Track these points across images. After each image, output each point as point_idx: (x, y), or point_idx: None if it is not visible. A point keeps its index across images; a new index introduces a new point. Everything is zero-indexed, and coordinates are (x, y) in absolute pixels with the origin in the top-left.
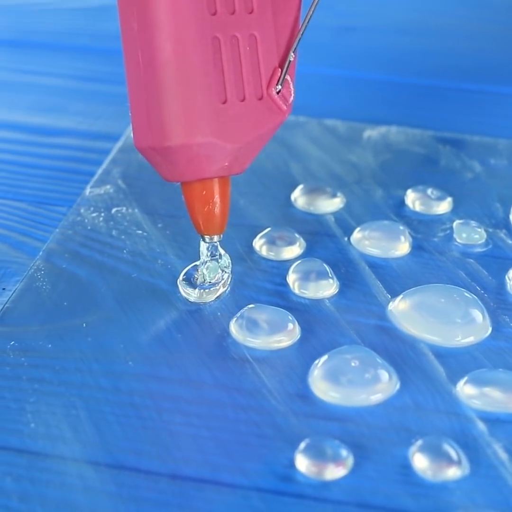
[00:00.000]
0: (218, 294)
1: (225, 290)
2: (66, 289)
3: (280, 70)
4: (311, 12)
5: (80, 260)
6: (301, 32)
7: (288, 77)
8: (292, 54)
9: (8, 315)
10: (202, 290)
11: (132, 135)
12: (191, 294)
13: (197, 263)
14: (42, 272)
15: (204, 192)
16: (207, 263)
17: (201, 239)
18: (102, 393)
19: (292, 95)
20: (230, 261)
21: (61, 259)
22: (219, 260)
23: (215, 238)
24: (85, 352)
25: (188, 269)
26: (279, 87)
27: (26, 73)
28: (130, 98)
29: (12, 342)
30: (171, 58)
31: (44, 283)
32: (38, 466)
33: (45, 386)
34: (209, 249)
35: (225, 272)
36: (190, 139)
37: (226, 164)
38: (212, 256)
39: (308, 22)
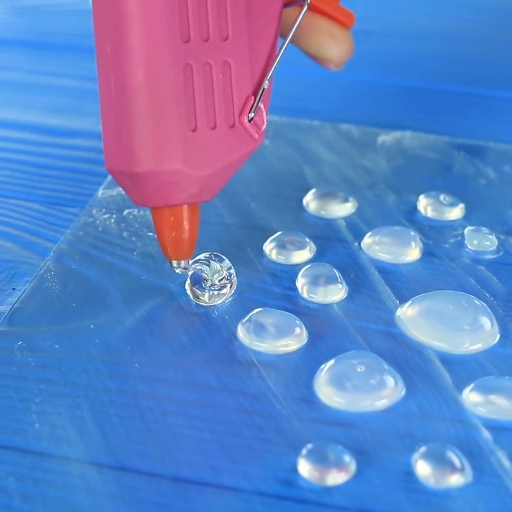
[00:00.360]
0: (225, 297)
1: (232, 293)
2: (75, 290)
3: (253, 98)
4: (288, 40)
5: (90, 261)
6: (277, 60)
7: (261, 104)
8: (267, 81)
9: (17, 315)
10: (210, 293)
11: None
12: (199, 297)
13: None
14: (52, 272)
15: (172, 218)
16: (206, 266)
17: (169, 264)
18: (107, 395)
19: (265, 123)
20: (230, 263)
21: (72, 260)
22: (222, 262)
23: (183, 263)
24: (92, 353)
25: (195, 273)
26: (252, 115)
27: (41, 74)
28: (102, 120)
29: (20, 342)
30: (142, 84)
31: (54, 283)
32: (42, 467)
33: (51, 387)
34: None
35: (230, 274)
36: (158, 166)
37: (195, 191)
38: (210, 260)
39: (284, 49)
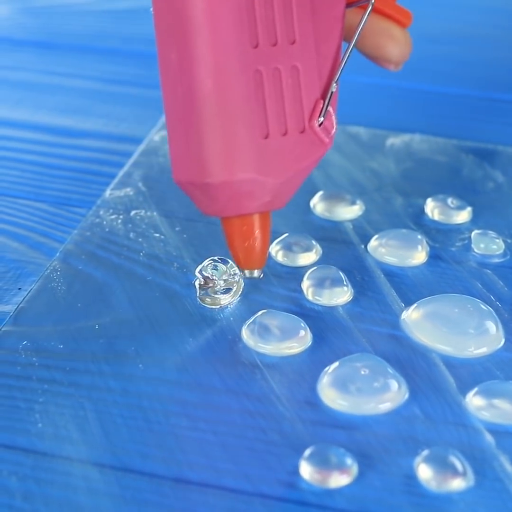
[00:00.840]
0: (230, 299)
1: (238, 295)
2: (81, 290)
3: (322, 101)
4: (354, 40)
5: (96, 261)
6: (344, 62)
7: (330, 108)
8: (335, 84)
9: (22, 315)
10: (216, 295)
11: (172, 166)
12: (205, 300)
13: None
14: (58, 272)
15: (244, 228)
16: (214, 270)
17: (241, 273)
18: (111, 395)
19: (334, 126)
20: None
21: (78, 260)
22: (228, 265)
23: (255, 273)
24: (96, 354)
25: (201, 274)
26: (322, 119)
27: (53, 75)
28: (169, 130)
29: (25, 342)
30: (212, 92)
31: (60, 283)
32: (44, 466)
33: (55, 387)
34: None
35: (236, 276)
36: (232, 176)
37: (268, 199)
38: (217, 263)
39: (351, 51)
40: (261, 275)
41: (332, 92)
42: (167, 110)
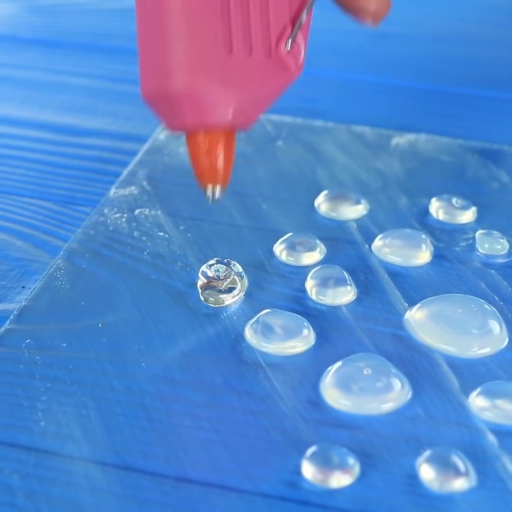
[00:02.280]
0: (234, 298)
1: (241, 295)
2: (85, 289)
3: (291, 28)
4: None
5: (100, 260)
6: None
7: (300, 37)
8: (305, 14)
9: (25, 313)
10: (219, 295)
11: (141, 85)
12: (209, 299)
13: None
14: (62, 271)
15: (208, 144)
16: (216, 271)
17: (204, 194)
18: (113, 394)
19: (303, 55)
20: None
21: (82, 259)
22: (231, 265)
23: (217, 190)
24: (99, 353)
25: (205, 275)
26: (289, 45)
27: (58, 73)
28: (139, 47)
29: (28, 340)
30: (178, 4)
31: (63, 282)
32: (46, 465)
33: (58, 385)
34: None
35: (240, 276)
36: (193, 83)
37: (230, 115)
38: (220, 263)
39: None
40: (221, 197)
41: (301, 20)
42: (138, 28)
